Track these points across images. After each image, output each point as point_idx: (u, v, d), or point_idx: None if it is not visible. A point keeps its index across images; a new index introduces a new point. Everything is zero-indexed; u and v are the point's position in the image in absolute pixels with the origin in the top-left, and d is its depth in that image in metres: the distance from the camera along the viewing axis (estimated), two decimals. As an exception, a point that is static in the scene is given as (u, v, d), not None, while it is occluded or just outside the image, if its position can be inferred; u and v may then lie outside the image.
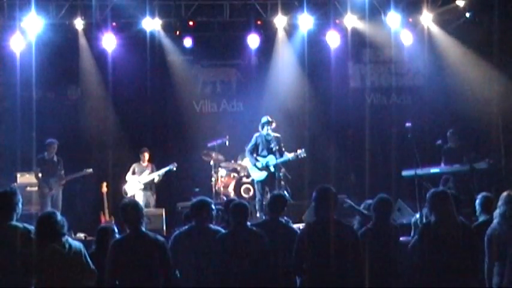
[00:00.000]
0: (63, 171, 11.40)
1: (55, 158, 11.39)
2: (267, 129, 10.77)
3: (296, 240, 5.64)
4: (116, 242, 5.62)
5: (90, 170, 11.65)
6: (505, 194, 5.89)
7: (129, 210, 5.58)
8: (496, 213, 5.88)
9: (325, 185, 5.85)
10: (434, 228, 5.57)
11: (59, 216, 5.32)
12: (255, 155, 10.86)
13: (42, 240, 5.20)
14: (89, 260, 5.36)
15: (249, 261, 5.66)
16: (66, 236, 5.34)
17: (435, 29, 13.17)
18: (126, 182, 12.07)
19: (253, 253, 5.72)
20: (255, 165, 10.85)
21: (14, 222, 5.36)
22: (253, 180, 11.40)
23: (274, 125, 10.85)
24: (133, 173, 12.05)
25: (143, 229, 5.57)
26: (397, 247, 6.24)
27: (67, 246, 5.23)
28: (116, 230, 6.38)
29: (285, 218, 6.93)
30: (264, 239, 5.83)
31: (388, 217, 6.34)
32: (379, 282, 5.75)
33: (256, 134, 10.91)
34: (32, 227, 5.36)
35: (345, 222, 5.73)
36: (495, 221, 5.85)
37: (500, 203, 5.87)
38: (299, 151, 10.72)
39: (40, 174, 11.24)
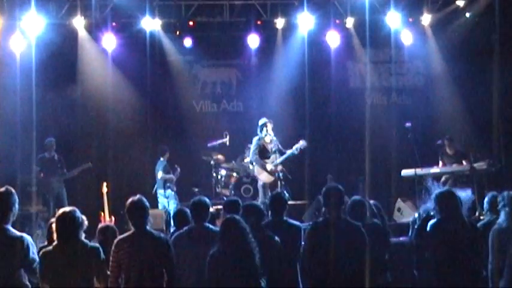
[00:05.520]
0: (65, 169, 11.38)
1: (55, 157, 11.38)
2: (266, 131, 10.73)
3: (304, 239, 5.60)
4: (120, 240, 5.57)
5: (89, 163, 11.53)
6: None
7: (134, 209, 5.55)
8: (502, 212, 5.92)
9: (332, 183, 5.85)
10: (443, 227, 5.66)
11: None
12: (259, 157, 10.81)
13: None
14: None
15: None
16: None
17: (435, 29, 13.18)
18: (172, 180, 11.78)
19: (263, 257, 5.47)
20: (265, 169, 10.80)
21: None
22: (253, 180, 11.39)
23: (271, 126, 10.82)
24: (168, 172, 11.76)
25: (147, 228, 5.56)
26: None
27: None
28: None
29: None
30: (276, 242, 5.69)
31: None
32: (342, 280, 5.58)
33: (256, 138, 10.88)
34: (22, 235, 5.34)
35: (353, 221, 5.71)
36: (500, 220, 5.93)
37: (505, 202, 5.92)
38: (300, 142, 10.62)
39: (42, 174, 11.18)
